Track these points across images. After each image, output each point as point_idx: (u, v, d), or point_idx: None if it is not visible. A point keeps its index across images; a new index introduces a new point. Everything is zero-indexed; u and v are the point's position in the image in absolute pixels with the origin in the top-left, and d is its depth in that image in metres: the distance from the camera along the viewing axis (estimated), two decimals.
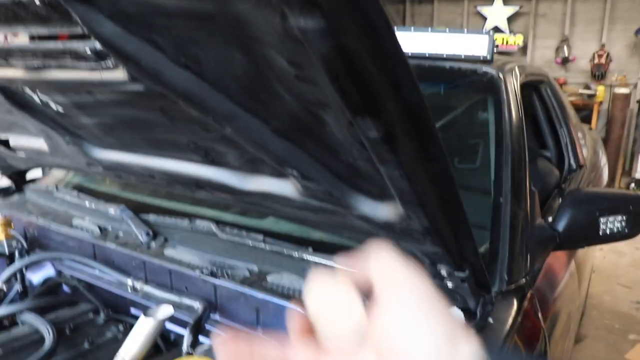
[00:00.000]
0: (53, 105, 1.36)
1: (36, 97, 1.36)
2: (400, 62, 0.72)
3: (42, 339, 1.44)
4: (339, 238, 1.50)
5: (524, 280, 1.53)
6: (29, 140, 1.75)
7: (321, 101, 0.87)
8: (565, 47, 7.90)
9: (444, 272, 1.25)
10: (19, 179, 2.30)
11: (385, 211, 1.10)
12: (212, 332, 1.40)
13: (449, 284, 1.29)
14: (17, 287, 1.77)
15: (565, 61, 7.97)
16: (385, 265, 0.47)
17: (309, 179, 1.09)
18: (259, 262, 1.46)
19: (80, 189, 2.08)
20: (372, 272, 0.47)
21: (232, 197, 1.36)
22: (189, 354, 1.28)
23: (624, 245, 5.19)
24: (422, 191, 0.95)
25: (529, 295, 1.52)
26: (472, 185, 1.92)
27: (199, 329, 1.34)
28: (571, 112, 3.33)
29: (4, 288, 1.65)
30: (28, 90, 1.34)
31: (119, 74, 1.02)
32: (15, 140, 1.80)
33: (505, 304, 1.43)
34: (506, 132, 1.77)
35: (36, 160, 1.90)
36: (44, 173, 2.56)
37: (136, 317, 1.62)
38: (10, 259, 1.90)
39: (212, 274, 1.44)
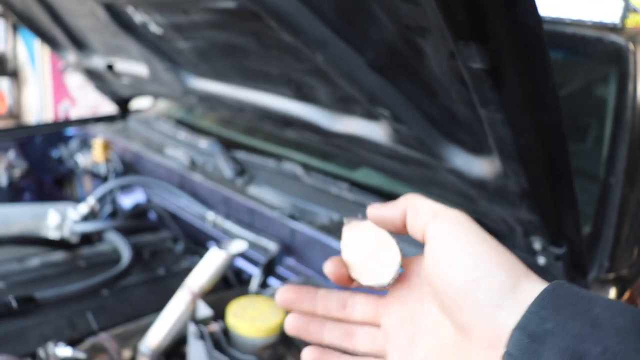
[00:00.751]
0: (152, 27, 1.36)
1: (137, 17, 1.36)
2: None
3: (120, 259, 1.48)
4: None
5: (626, 270, 1.37)
6: (131, 66, 1.78)
7: (422, 26, 0.77)
8: None
9: (537, 246, 1.13)
10: (124, 107, 2.37)
11: (480, 167, 1.00)
12: (284, 275, 1.37)
13: (541, 260, 1.17)
14: (109, 207, 1.83)
15: None
16: (435, 210, 0.47)
17: (401, 122, 1.00)
18: (342, 211, 1.40)
19: (180, 122, 2.11)
20: (418, 217, 0.48)
21: (319, 137, 1.30)
22: (257, 293, 1.25)
23: None
24: (526, 144, 0.84)
25: (630, 288, 1.36)
26: (579, 168, 1.75)
27: (270, 270, 1.31)
28: None
29: (97, 207, 1.70)
30: (130, 10, 1.34)
31: None
32: (119, 65, 1.83)
33: (603, 294, 1.29)
34: (628, 107, 1.58)
35: (137, 87, 1.94)
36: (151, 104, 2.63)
37: None
38: (106, 180, 1.97)
39: (292, 217, 1.40)
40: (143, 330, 1.23)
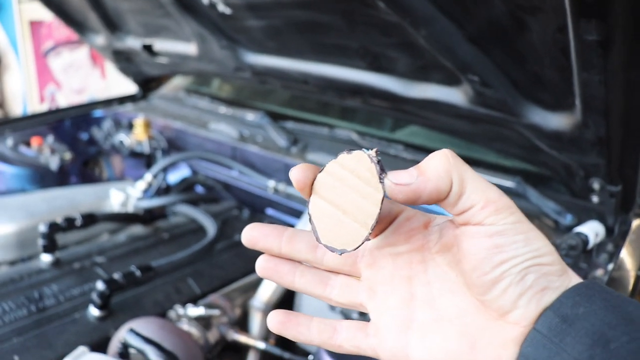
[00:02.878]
0: (221, 7, 1.44)
1: None
2: None
3: (199, 228, 1.58)
4: (474, 152, 1.56)
5: None
6: (176, 45, 1.85)
7: (535, 6, 0.91)
8: None
9: (595, 186, 1.30)
10: (145, 87, 2.43)
11: (558, 120, 1.15)
12: None
13: (595, 199, 1.34)
14: (159, 183, 1.92)
15: None
16: (477, 180, 0.42)
17: (488, 86, 1.14)
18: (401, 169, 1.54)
19: (206, 95, 2.19)
20: (465, 196, 0.42)
21: (388, 103, 1.42)
22: None
23: None
24: (614, 99, 0.99)
25: None
26: None
27: None
28: None
29: (152, 182, 1.79)
30: None
31: None
32: (161, 44, 1.90)
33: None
34: None
35: (176, 65, 2.01)
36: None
37: (275, 218, 1.75)
38: (149, 158, 2.05)
39: None
40: (243, 290, 1.36)
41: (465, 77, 1.15)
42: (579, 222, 1.33)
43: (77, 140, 2.26)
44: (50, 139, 2.08)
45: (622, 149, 1.16)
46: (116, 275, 1.20)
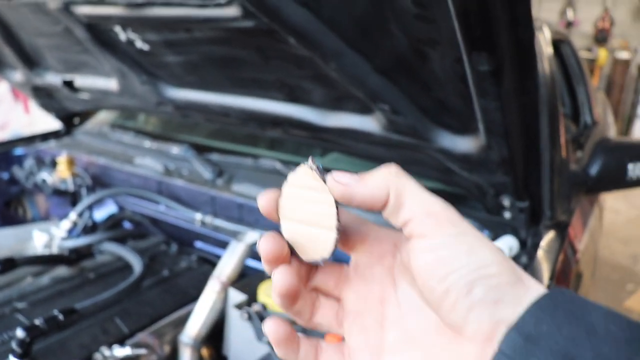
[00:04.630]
0: (139, 44, 1.45)
1: (122, 36, 1.45)
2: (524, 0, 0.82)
3: (126, 266, 1.56)
4: None
5: (564, 216, 1.66)
6: (97, 81, 1.84)
7: (433, 39, 0.97)
8: (569, 11, 7.96)
9: (506, 203, 1.38)
10: (69, 122, 2.39)
11: (465, 144, 1.21)
12: None
13: (507, 215, 1.42)
14: (85, 221, 1.89)
15: (568, 25, 8.04)
16: (417, 192, 0.43)
17: (398, 113, 1.20)
18: None
19: (131, 130, 2.17)
20: (405, 206, 0.43)
21: (307, 133, 1.46)
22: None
23: (621, 204, 5.40)
24: (511, 122, 1.06)
25: (568, 231, 1.65)
26: None
27: None
28: (587, 71, 3.44)
29: (77, 221, 1.76)
30: (117, 29, 1.43)
31: (232, 11, 1.12)
32: (81, 80, 1.88)
33: (551, 237, 1.56)
34: (543, 84, 1.88)
35: (98, 101, 1.99)
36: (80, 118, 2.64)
37: (203, 250, 1.75)
38: (74, 196, 2.01)
39: None
40: (173, 326, 1.36)
41: (376, 106, 1.20)
42: (495, 237, 1.40)
43: None
44: None
45: (525, 167, 1.24)
46: (37, 321, 1.17)
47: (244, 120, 1.57)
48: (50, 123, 2.48)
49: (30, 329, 1.15)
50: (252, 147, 1.93)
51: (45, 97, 2.18)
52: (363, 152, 1.47)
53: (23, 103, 4.35)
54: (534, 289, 0.41)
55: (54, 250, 1.70)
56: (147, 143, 2.01)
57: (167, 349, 1.30)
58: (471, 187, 1.39)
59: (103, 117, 2.38)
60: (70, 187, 1.97)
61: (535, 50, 0.91)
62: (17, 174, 2.16)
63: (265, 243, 0.45)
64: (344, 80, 1.16)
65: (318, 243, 0.45)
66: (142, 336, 1.28)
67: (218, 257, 1.70)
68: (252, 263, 1.53)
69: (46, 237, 1.69)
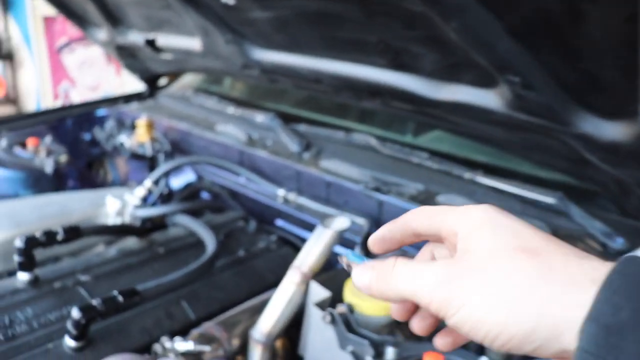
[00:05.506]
0: None
1: None
2: None
3: (198, 242, 1.42)
4: (507, 162, 1.39)
5: None
6: (180, 40, 1.70)
7: None
8: None
9: None
10: (153, 84, 2.29)
11: (614, 130, 0.96)
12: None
13: None
14: (161, 189, 1.77)
15: None
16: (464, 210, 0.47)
17: (531, 89, 0.96)
18: (425, 181, 1.37)
19: (215, 95, 2.04)
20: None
21: (411, 106, 1.25)
22: None
23: None
24: None
25: None
26: None
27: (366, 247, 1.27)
28: None
29: (152, 188, 1.64)
30: None
31: None
32: (164, 39, 1.75)
33: None
34: None
35: (181, 62, 1.86)
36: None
37: (284, 230, 1.59)
38: (152, 161, 1.90)
39: (377, 189, 1.36)
40: (245, 317, 1.20)
41: (503, 78, 0.98)
42: (632, 246, 1.14)
43: (79, 141, 2.13)
44: (48, 139, 1.94)
45: None
46: (95, 302, 1.04)
47: (338, 88, 1.37)
48: (140, 86, 2.39)
49: (86, 310, 1.02)
50: (342, 119, 1.73)
51: (129, 57, 2.07)
52: (475, 132, 1.25)
53: (115, 65, 4.36)
54: (598, 267, 0.38)
55: (126, 218, 1.59)
56: (231, 109, 1.86)
57: (235, 342, 1.14)
58: (609, 183, 1.14)
59: (188, 80, 2.26)
60: (149, 151, 1.85)
61: None
62: (97, 136, 2.08)
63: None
64: (466, 44, 0.94)
65: None
66: (208, 326, 1.13)
67: (300, 238, 1.53)
68: (339, 250, 1.35)
69: (119, 204, 1.58)
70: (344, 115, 1.77)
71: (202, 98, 2.02)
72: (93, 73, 4.29)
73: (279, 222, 1.61)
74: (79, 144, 2.12)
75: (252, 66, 1.52)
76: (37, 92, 4.16)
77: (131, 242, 1.43)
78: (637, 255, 0.35)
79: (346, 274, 1.16)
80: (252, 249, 1.46)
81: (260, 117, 1.74)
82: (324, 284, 1.11)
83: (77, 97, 4.25)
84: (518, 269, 0.40)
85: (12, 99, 4.26)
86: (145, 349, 1.11)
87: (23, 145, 1.89)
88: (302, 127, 1.66)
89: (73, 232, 1.26)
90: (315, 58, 1.34)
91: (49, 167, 1.78)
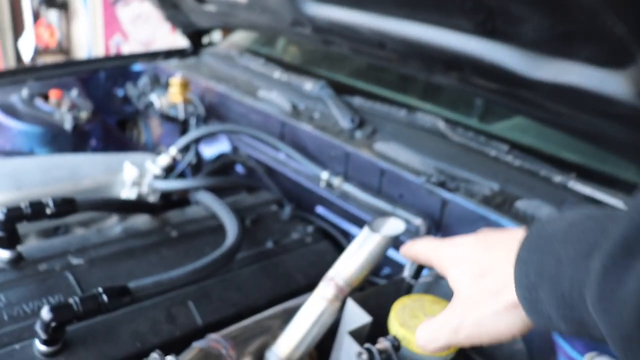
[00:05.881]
0: None
1: None
2: None
3: (220, 227, 1.19)
4: (611, 166, 1.10)
5: None
6: None
7: None
8: None
9: None
10: (197, 41, 2.06)
11: None
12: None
13: None
14: (190, 158, 1.55)
15: None
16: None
17: None
18: (502, 180, 1.09)
19: (262, 56, 1.79)
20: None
21: (499, 86, 0.97)
22: (409, 285, 0.95)
23: None
24: None
25: None
26: None
27: None
28: None
29: (179, 157, 1.42)
30: None
31: None
32: None
33: None
34: None
35: (225, 16, 1.62)
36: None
37: (324, 220, 1.34)
38: (184, 125, 1.68)
39: (442, 185, 1.09)
40: (263, 330, 0.96)
41: None
42: None
43: (111, 97, 1.93)
44: (74, 92, 1.74)
45: None
46: (72, 300, 0.83)
47: (405, 56, 1.10)
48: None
49: (58, 310, 0.80)
50: (402, 95, 1.46)
51: (171, 8, 1.84)
52: (583, 127, 0.96)
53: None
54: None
55: (144, 189, 1.38)
56: (277, 73, 1.61)
57: None
58: None
59: (237, 39, 2.02)
60: (181, 114, 1.63)
61: None
62: (129, 92, 1.87)
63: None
64: (595, 3, 0.66)
65: None
66: (214, 339, 0.90)
67: (342, 232, 1.29)
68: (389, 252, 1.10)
69: (137, 172, 1.37)
70: (405, 90, 1.50)
71: (248, 59, 1.78)
72: (147, 28, 4.11)
73: (320, 210, 1.37)
74: (110, 101, 1.92)
75: (303, 23, 1.27)
76: (88, 44, 4.01)
77: (141, 220, 1.21)
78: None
79: (394, 292, 0.91)
80: (283, 240, 1.22)
81: (309, 85, 1.49)
82: (364, 304, 0.86)
83: (129, 52, 4.09)
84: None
85: (64, 49, 4.14)
86: (136, 358, 0.89)
87: (46, 97, 1.69)
88: (357, 100, 1.40)
89: (66, 206, 1.04)
90: (380, 16, 1.07)
91: (68, 123, 1.58)
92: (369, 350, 0.76)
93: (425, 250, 0.64)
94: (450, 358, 0.82)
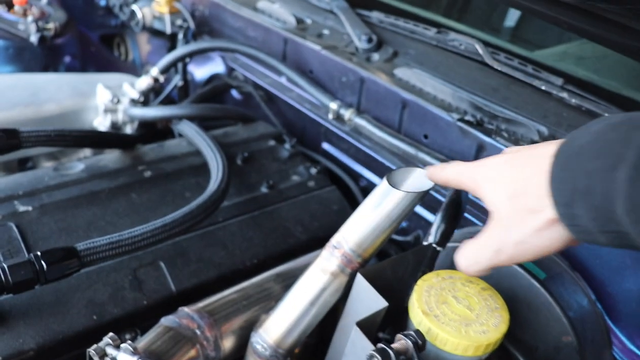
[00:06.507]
0: None
1: None
2: None
3: (203, 165, 0.98)
4: None
5: None
6: None
7: None
8: None
9: None
10: None
11: None
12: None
13: None
14: (177, 80, 1.33)
15: None
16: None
17: None
18: (553, 122, 0.87)
19: None
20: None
21: None
22: (434, 250, 0.74)
23: None
24: None
25: None
26: None
27: (456, 215, 0.78)
28: None
29: (161, 79, 1.19)
30: None
31: None
32: None
33: None
34: None
35: None
36: None
37: (331, 159, 1.13)
38: (172, 40, 1.45)
39: (478, 124, 0.87)
40: (250, 303, 0.76)
41: None
42: None
43: (91, 6, 1.68)
44: (44, 1, 1.49)
45: None
46: (3, 265, 0.64)
47: None
48: None
49: None
50: (425, 10, 1.22)
51: None
52: None
53: None
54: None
55: (119, 117, 1.17)
56: None
57: (227, 345, 0.72)
58: None
59: None
60: (167, 27, 1.39)
61: None
62: (112, 1, 1.61)
63: None
64: None
65: None
66: (187, 314, 0.71)
67: (353, 176, 1.08)
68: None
69: (110, 95, 1.15)
70: (427, 6, 1.25)
71: None
72: None
73: (325, 146, 1.15)
74: (90, 11, 1.68)
75: None
76: None
77: (110, 157, 1.00)
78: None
79: (416, 262, 0.71)
80: (280, 184, 1.02)
81: None
82: (378, 277, 0.66)
83: None
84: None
85: None
86: (91, 335, 0.71)
87: (10, 5, 1.45)
88: (375, 16, 1.15)
89: (6, 140, 0.83)
90: None
91: (34, 35, 1.35)
92: (383, 352, 0.56)
93: (455, 173, 0.60)
94: (485, 357, 0.63)
